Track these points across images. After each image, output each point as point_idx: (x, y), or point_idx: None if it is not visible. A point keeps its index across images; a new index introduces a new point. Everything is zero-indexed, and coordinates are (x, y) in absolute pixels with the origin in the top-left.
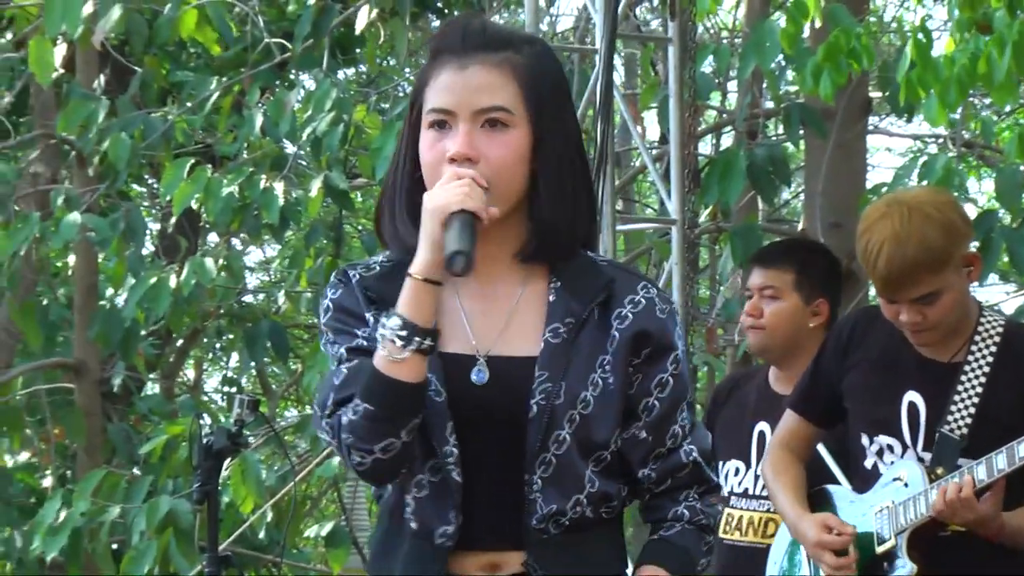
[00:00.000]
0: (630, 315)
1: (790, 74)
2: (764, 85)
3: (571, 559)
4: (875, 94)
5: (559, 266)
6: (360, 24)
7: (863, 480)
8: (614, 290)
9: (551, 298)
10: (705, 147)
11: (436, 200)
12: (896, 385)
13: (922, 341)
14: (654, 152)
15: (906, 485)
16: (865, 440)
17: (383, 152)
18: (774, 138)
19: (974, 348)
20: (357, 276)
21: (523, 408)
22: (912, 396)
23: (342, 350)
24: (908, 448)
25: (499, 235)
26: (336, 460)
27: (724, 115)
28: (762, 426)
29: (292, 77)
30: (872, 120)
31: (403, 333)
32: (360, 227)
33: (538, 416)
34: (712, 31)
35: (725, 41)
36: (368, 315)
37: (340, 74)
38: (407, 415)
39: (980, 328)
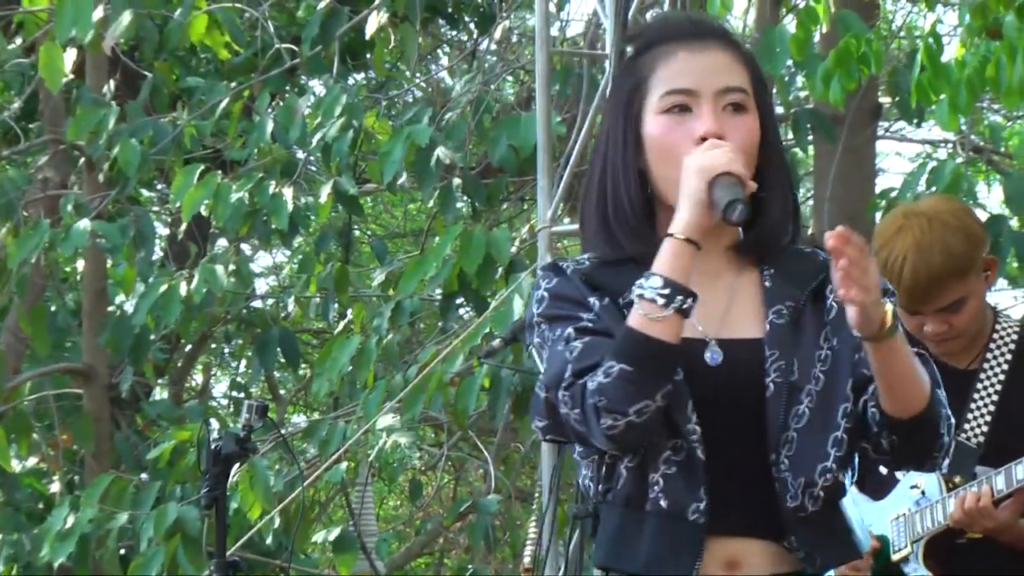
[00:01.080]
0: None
1: (800, 79)
2: (774, 90)
3: (831, 538)
4: (884, 99)
5: (769, 255)
6: (370, 29)
7: (878, 487)
8: (827, 275)
9: (767, 284)
10: None
11: (703, 160)
12: None
13: (947, 350)
14: None
15: (923, 493)
16: None
17: (391, 157)
18: (783, 143)
19: (989, 355)
20: (571, 267)
21: (760, 387)
22: None
23: (569, 330)
24: None
25: (727, 230)
26: (344, 465)
27: None
28: None
29: (302, 83)
30: (881, 125)
31: (666, 291)
32: (369, 232)
33: (776, 394)
34: None
35: None
36: (592, 300)
37: (350, 79)
38: (665, 377)
39: (995, 335)
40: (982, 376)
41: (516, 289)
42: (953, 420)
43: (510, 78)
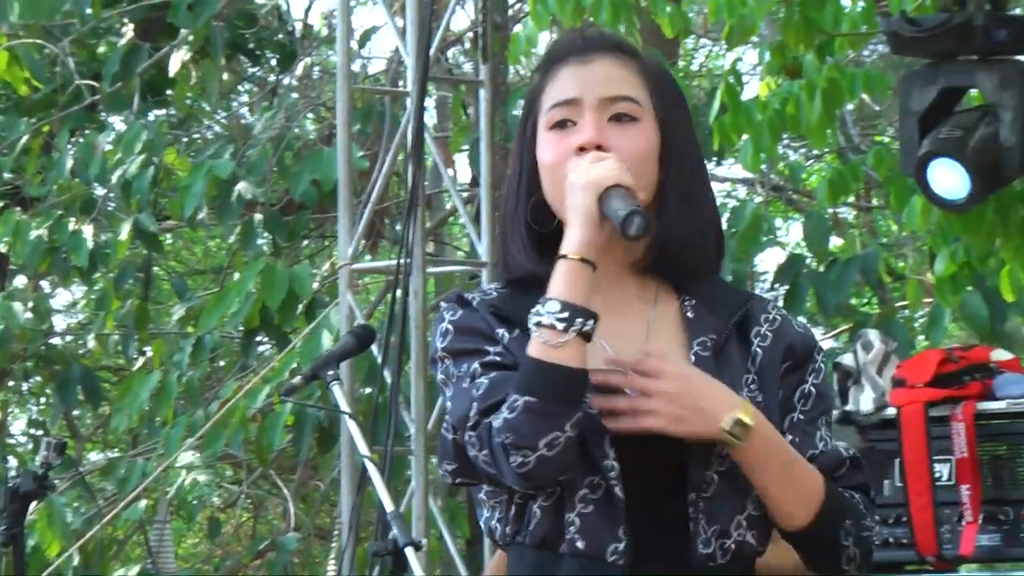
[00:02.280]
0: (769, 333)
1: None
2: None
3: None
4: None
5: (687, 286)
6: (172, 66)
7: None
8: (750, 308)
9: (689, 314)
10: None
11: (590, 174)
12: None
13: None
14: (465, 195)
15: None
16: None
17: (192, 191)
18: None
19: None
20: (478, 299)
21: None
22: None
23: (475, 365)
24: None
25: (623, 246)
26: (143, 504)
27: None
28: None
29: (102, 119)
30: None
31: (564, 315)
32: (169, 270)
33: None
34: (524, 74)
35: None
36: (500, 331)
37: (151, 116)
38: (572, 404)
39: None
40: None
41: (324, 324)
42: (873, 527)
43: (311, 115)
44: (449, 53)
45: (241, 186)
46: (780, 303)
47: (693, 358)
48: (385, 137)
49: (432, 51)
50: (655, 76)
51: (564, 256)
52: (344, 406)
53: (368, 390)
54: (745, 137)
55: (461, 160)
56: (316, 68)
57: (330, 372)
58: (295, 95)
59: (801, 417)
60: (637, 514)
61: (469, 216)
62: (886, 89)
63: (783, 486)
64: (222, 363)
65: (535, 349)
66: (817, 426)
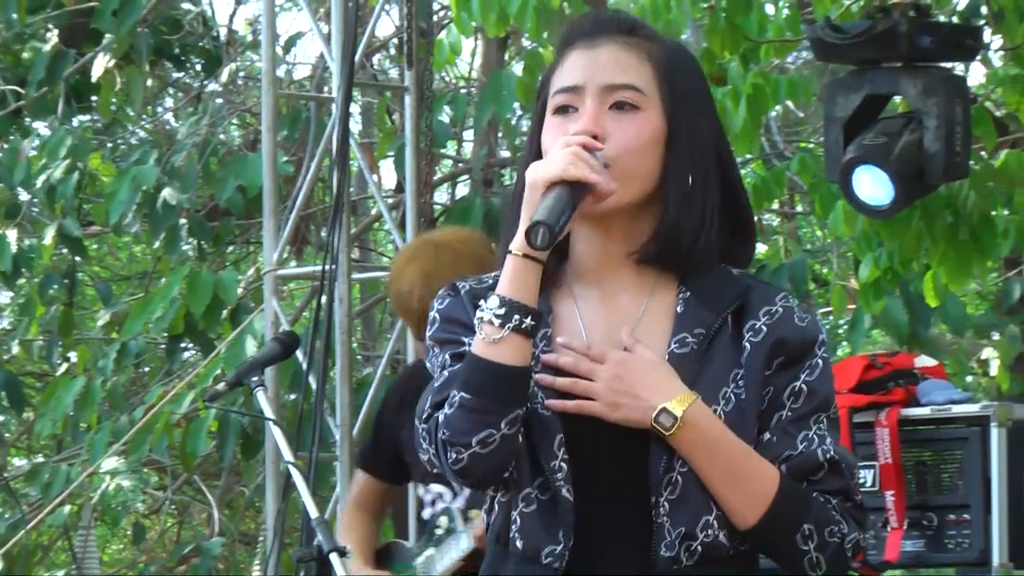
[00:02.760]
0: (764, 327)
1: (526, 123)
2: (500, 134)
3: None
4: None
5: (690, 277)
6: (96, 72)
7: (422, 531)
8: (749, 300)
9: (679, 308)
10: (441, 196)
11: (537, 170)
12: None
13: None
14: (390, 201)
15: (447, 531)
16: (422, 490)
17: (117, 197)
18: (510, 187)
19: None
20: (467, 287)
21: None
22: None
23: (446, 356)
24: (457, 495)
25: (624, 236)
26: (67, 509)
27: (460, 164)
28: None
29: (27, 124)
30: None
31: (501, 311)
32: (94, 275)
33: None
34: (449, 80)
35: (462, 90)
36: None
37: (75, 121)
38: (508, 403)
39: None
40: None
41: (249, 330)
42: (845, 533)
43: (236, 121)
44: (374, 59)
45: (166, 192)
46: None
47: (667, 355)
48: (310, 143)
49: (357, 57)
50: (666, 61)
51: (509, 252)
52: (269, 412)
53: (293, 396)
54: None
55: (386, 166)
56: (241, 74)
57: (255, 378)
58: (220, 101)
59: (788, 415)
60: (593, 516)
61: (394, 222)
62: (811, 96)
63: (726, 483)
64: (146, 369)
65: (475, 345)
66: (804, 426)
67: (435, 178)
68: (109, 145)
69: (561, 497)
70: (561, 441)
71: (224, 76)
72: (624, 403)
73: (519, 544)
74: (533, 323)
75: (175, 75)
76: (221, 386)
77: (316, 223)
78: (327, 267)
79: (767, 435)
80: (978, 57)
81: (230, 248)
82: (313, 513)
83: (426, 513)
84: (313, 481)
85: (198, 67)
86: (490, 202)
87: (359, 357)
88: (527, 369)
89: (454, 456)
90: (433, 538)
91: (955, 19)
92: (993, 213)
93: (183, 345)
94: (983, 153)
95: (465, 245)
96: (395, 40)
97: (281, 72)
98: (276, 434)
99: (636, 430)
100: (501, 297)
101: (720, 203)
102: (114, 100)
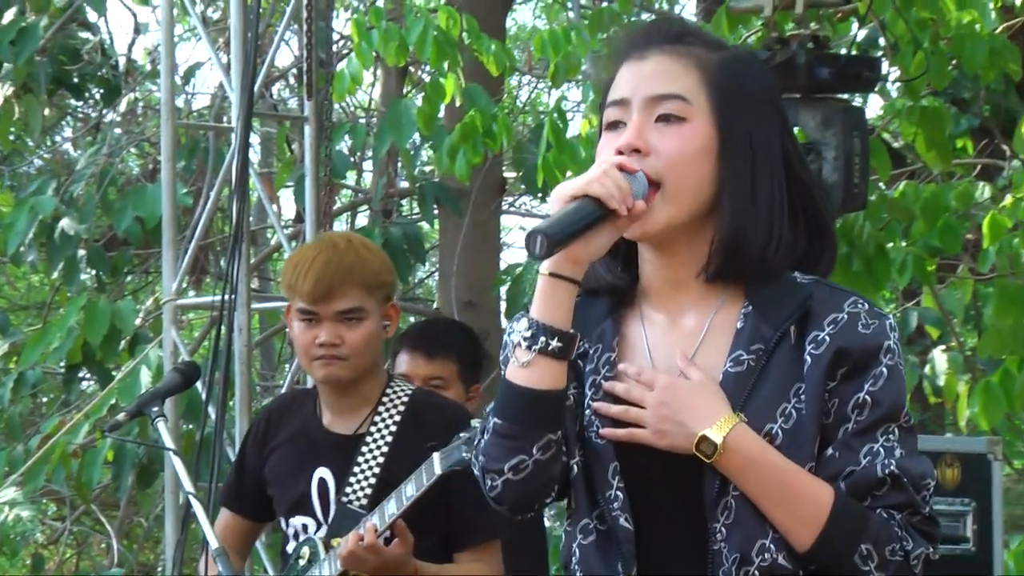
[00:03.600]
0: (827, 337)
1: (425, 153)
2: (400, 164)
3: None
4: (509, 174)
5: (756, 289)
6: None
7: (285, 564)
8: (812, 308)
9: (739, 324)
10: (341, 226)
11: (563, 186)
12: (309, 464)
13: (332, 373)
14: (289, 231)
15: (309, 561)
16: (284, 524)
17: (15, 228)
18: (409, 217)
19: (377, 419)
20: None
21: None
22: (322, 472)
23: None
24: (321, 524)
25: (685, 254)
26: None
27: (360, 194)
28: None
29: None
30: (506, 199)
31: (528, 334)
32: None
33: None
34: (348, 110)
35: (361, 120)
36: None
37: None
38: (538, 428)
39: (384, 399)
40: (368, 440)
41: (143, 361)
42: (909, 549)
43: (135, 150)
44: (274, 89)
45: (65, 223)
46: None
47: (721, 375)
48: (209, 172)
49: (257, 87)
50: (717, 67)
51: (539, 272)
52: (169, 442)
53: (192, 426)
54: (569, 174)
55: (286, 196)
56: (140, 103)
57: (155, 408)
58: (119, 130)
59: (853, 427)
60: (651, 544)
61: (294, 252)
62: None
63: (776, 506)
64: (44, 399)
65: (508, 369)
66: (869, 438)
67: (335, 208)
68: (7, 174)
69: (619, 526)
70: (616, 469)
71: (123, 106)
72: (669, 430)
73: (579, 575)
74: (561, 345)
75: (74, 105)
76: (121, 416)
77: (215, 253)
78: (226, 297)
79: (830, 450)
80: (876, 88)
81: (128, 278)
82: (213, 543)
83: (290, 547)
84: (212, 511)
85: (97, 97)
86: (389, 231)
87: (258, 388)
88: (558, 393)
89: (489, 483)
90: (296, 569)
91: (853, 51)
92: (891, 245)
93: (81, 375)
94: (880, 185)
95: (374, 247)
96: (295, 70)
97: (180, 102)
98: (176, 464)
99: (689, 455)
100: (530, 319)
101: (789, 208)
102: (12, 129)
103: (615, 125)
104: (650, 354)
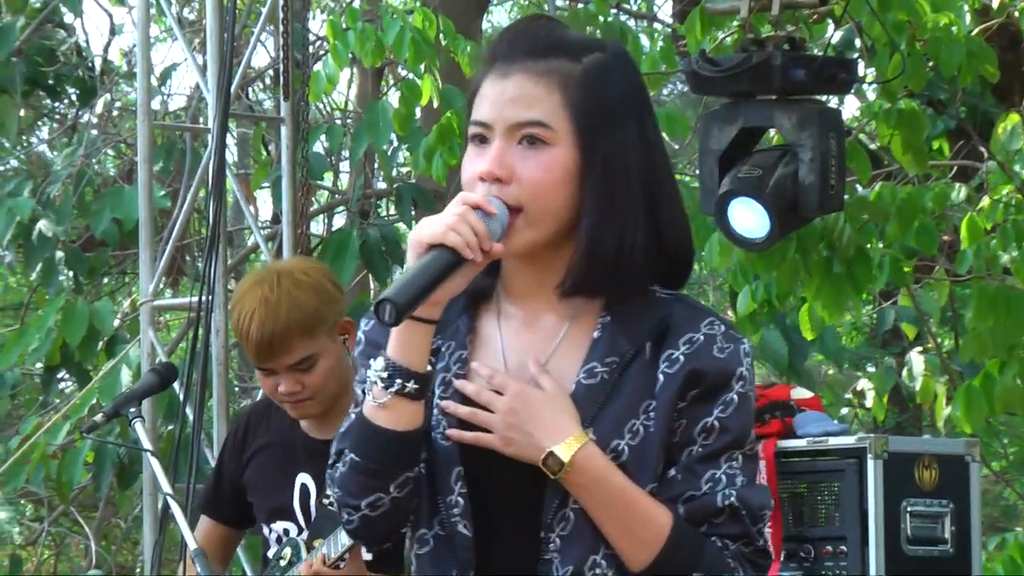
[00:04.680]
0: (682, 357)
1: (402, 154)
2: (376, 165)
3: None
4: None
5: (615, 301)
6: None
7: (266, 567)
8: (670, 326)
9: (595, 335)
10: (318, 227)
11: (420, 230)
12: (290, 470)
13: (303, 413)
14: (266, 231)
15: (290, 562)
16: (266, 530)
17: None
18: (387, 218)
19: None
20: None
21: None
22: (303, 478)
23: (359, 391)
24: (303, 530)
25: (546, 264)
26: None
27: (337, 195)
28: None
29: None
30: None
31: (385, 375)
32: None
33: None
34: (325, 111)
35: (338, 121)
36: None
37: None
38: (396, 467)
39: None
40: None
41: (124, 361)
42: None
43: (112, 151)
44: (250, 90)
45: (42, 224)
46: None
47: (574, 385)
48: (186, 174)
49: (233, 88)
50: (578, 84)
51: None
52: (147, 443)
53: (170, 427)
54: None
55: (263, 197)
56: (116, 104)
57: (132, 409)
58: (95, 132)
59: (700, 451)
60: (489, 551)
61: (270, 253)
62: (687, 128)
63: (615, 527)
64: (23, 399)
65: (364, 406)
66: (713, 464)
67: (311, 209)
68: None
69: (459, 534)
70: (460, 474)
71: (99, 107)
72: (516, 439)
73: None
74: (418, 387)
75: (50, 105)
76: (99, 417)
77: (192, 254)
78: (203, 298)
79: (673, 471)
80: (852, 90)
81: (105, 279)
82: (192, 544)
83: (271, 552)
84: (191, 512)
85: (73, 98)
86: (367, 233)
87: (236, 388)
88: (416, 432)
89: (346, 517)
90: (278, 569)
91: (829, 52)
92: (868, 246)
93: (59, 376)
94: (858, 187)
95: (306, 275)
96: (271, 71)
97: (156, 103)
98: (154, 465)
99: (534, 465)
100: (387, 359)
101: (647, 219)
102: None
103: (480, 138)
104: (504, 354)
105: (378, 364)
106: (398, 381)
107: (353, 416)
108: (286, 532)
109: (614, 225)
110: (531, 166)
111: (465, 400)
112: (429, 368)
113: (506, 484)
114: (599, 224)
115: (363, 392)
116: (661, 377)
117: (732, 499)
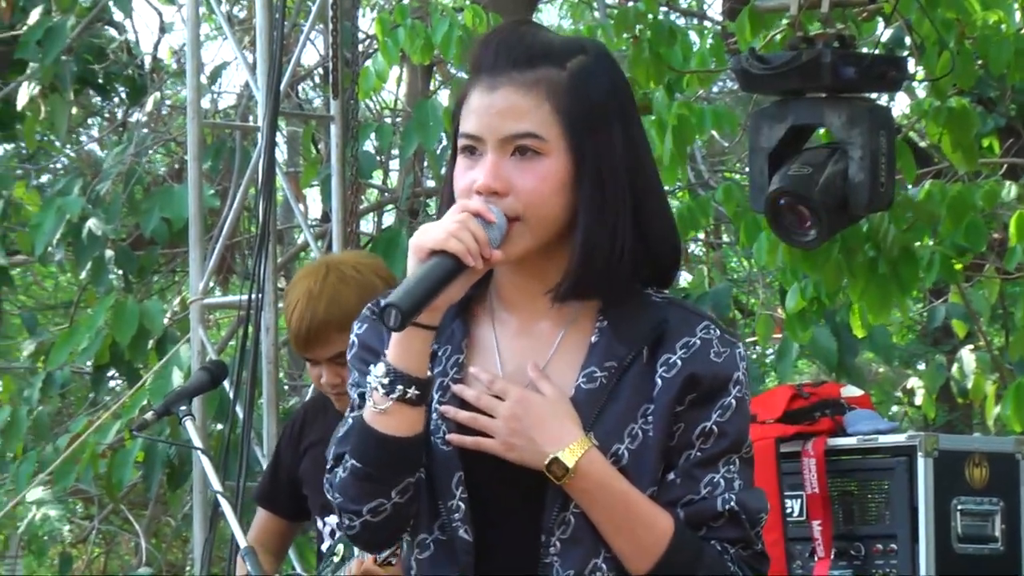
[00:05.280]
0: (679, 361)
1: None
2: (426, 164)
3: None
4: None
5: (611, 304)
6: (21, 100)
7: (320, 562)
8: (666, 331)
9: (593, 339)
10: (367, 225)
11: (421, 235)
12: None
13: (345, 406)
14: (316, 230)
15: (343, 559)
16: (320, 523)
17: (43, 229)
18: (436, 216)
19: None
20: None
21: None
22: None
23: (355, 395)
24: None
25: (541, 269)
26: None
27: (386, 193)
28: None
29: None
30: None
31: (386, 381)
32: (19, 304)
33: None
34: (374, 109)
35: (387, 119)
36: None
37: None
38: (396, 473)
39: None
40: None
41: (174, 360)
42: None
43: (161, 150)
44: (299, 88)
45: (92, 223)
46: None
47: (573, 390)
48: (236, 172)
49: (283, 86)
50: (566, 92)
51: None
52: (197, 441)
53: (220, 426)
54: None
55: (312, 195)
56: (166, 103)
57: (182, 408)
58: (145, 130)
59: (698, 455)
60: (489, 555)
61: (320, 251)
62: (736, 126)
63: (617, 532)
64: (73, 398)
65: (365, 411)
66: (711, 468)
67: (361, 207)
68: (34, 174)
69: (459, 538)
70: (460, 479)
71: (149, 105)
72: (519, 445)
73: None
74: (419, 392)
75: (100, 104)
76: (149, 415)
77: (242, 252)
78: (253, 296)
79: (671, 475)
80: (902, 88)
81: (155, 278)
82: (242, 543)
83: (325, 545)
84: (240, 510)
85: (123, 96)
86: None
87: (285, 387)
88: (417, 438)
89: (347, 522)
90: (331, 566)
91: (879, 50)
92: (918, 244)
93: (109, 375)
94: (908, 187)
95: (355, 271)
96: (320, 69)
97: (206, 101)
98: (204, 463)
99: (534, 470)
100: (387, 365)
101: (632, 222)
102: (39, 129)
103: (470, 150)
104: (500, 359)
105: (379, 370)
106: (399, 387)
107: (351, 421)
108: (339, 526)
109: (605, 227)
110: (527, 178)
111: (464, 405)
112: (429, 373)
113: (507, 488)
114: (593, 228)
115: (360, 397)
116: (659, 381)
117: (732, 503)
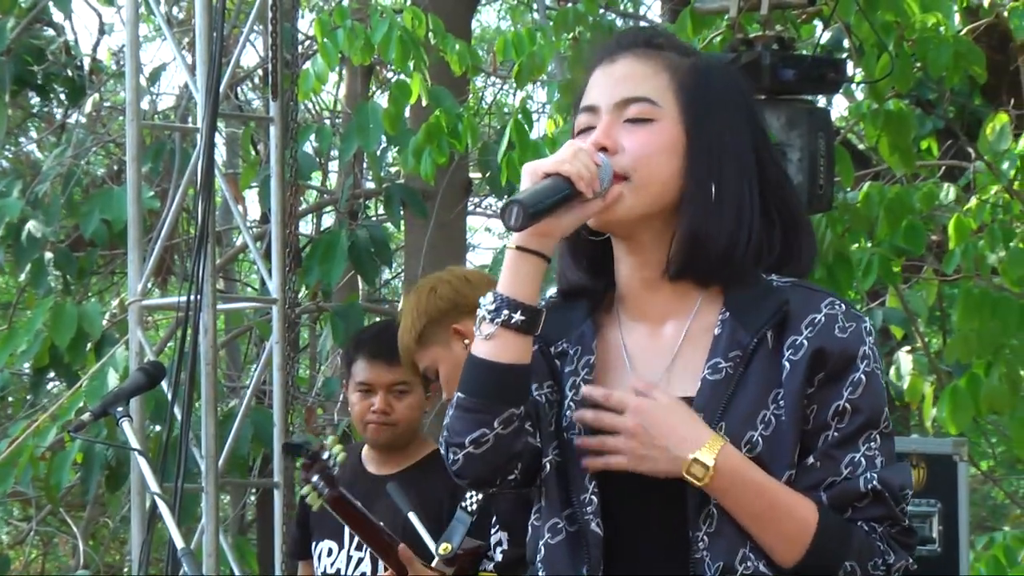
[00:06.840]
0: (805, 341)
1: (391, 155)
2: (365, 165)
3: None
4: (475, 175)
5: (733, 293)
6: None
7: None
8: (789, 313)
9: (716, 331)
10: (307, 227)
11: (536, 161)
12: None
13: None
14: (255, 231)
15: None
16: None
17: None
18: (375, 218)
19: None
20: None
21: None
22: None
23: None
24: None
25: (651, 251)
26: None
27: (325, 195)
28: None
29: None
30: (472, 200)
31: (492, 307)
32: None
33: None
34: (314, 111)
35: (327, 121)
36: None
37: None
38: (500, 401)
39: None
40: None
41: (110, 362)
42: (891, 563)
43: (100, 151)
44: (239, 89)
45: (31, 225)
46: None
47: (699, 383)
48: (175, 173)
49: (222, 87)
50: (687, 71)
51: (506, 246)
52: (135, 443)
53: (158, 427)
54: None
55: (251, 196)
56: (105, 104)
57: (119, 409)
58: (84, 131)
59: (836, 435)
60: (625, 550)
61: (259, 252)
62: None
63: (762, 525)
64: (11, 400)
65: (474, 344)
66: (851, 447)
67: (300, 209)
68: None
69: (590, 531)
70: (593, 475)
71: (88, 106)
72: (650, 455)
73: (541, 574)
74: (525, 318)
75: (39, 105)
76: (86, 416)
77: (181, 254)
78: (192, 298)
79: (811, 459)
80: (840, 90)
81: (94, 279)
82: (179, 544)
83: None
84: (178, 512)
85: (62, 97)
86: (355, 233)
87: (224, 388)
88: (522, 367)
89: (451, 457)
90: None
91: (818, 52)
92: (856, 246)
93: (48, 378)
94: (847, 191)
95: (447, 286)
96: (260, 70)
97: (145, 103)
98: (142, 465)
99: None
100: (496, 293)
101: (763, 209)
102: None
103: (586, 131)
104: (629, 361)
105: (487, 299)
106: (505, 312)
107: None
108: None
109: (724, 207)
110: (637, 137)
111: (594, 407)
112: (541, 304)
113: (643, 489)
114: (706, 204)
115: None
116: (787, 365)
117: (874, 482)
